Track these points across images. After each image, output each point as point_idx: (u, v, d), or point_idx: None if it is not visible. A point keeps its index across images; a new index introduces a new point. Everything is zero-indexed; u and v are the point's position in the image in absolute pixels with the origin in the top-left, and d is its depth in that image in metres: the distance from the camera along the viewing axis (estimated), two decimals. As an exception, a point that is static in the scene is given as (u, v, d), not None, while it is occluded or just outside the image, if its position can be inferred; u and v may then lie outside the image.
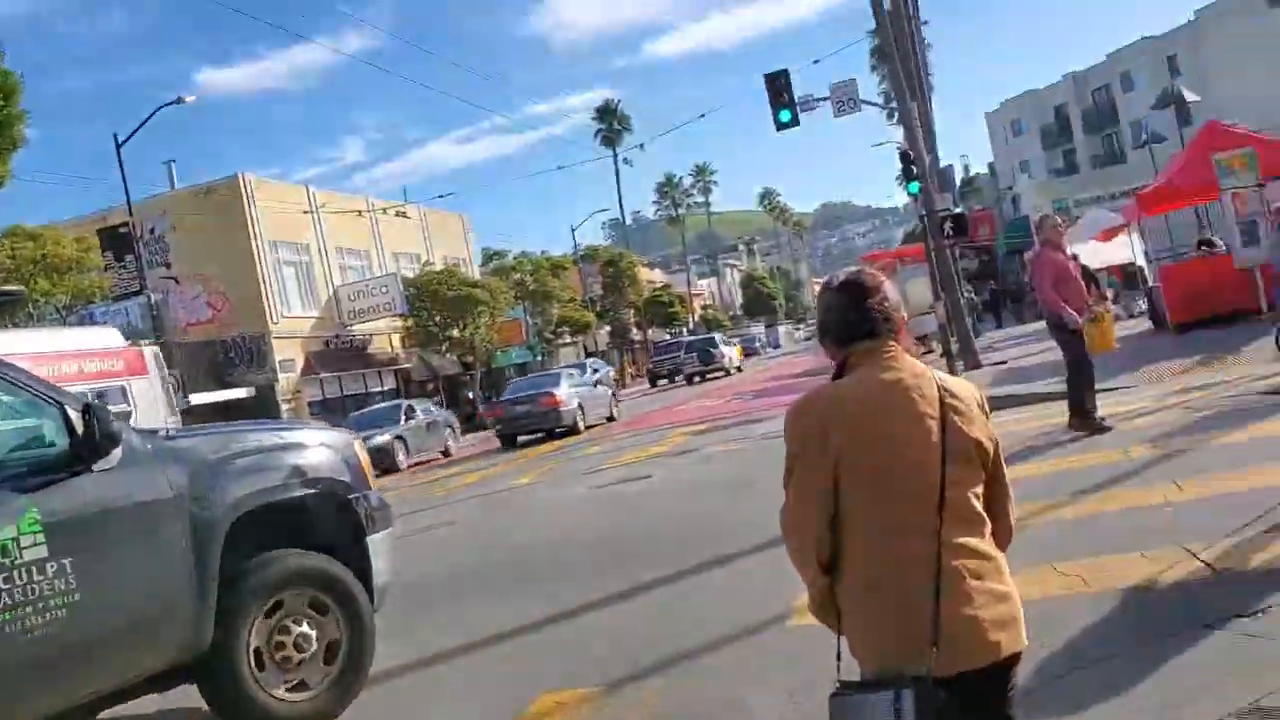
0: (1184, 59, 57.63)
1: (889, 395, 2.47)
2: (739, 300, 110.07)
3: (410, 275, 41.56)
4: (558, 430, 26.53)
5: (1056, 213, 23.11)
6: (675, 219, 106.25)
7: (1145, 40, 63.21)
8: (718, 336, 55.05)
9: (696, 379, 46.97)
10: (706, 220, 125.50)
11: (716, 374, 47.36)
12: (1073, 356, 10.62)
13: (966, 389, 2.55)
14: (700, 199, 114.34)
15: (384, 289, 39.70)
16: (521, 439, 26.75)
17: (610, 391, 32.37)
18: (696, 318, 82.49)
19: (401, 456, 25.56)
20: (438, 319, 39.74)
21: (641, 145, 74.62)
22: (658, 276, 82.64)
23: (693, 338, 56.83)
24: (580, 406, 26.91)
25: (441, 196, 71.59)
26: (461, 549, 11.06)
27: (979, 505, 2.48)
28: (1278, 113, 44.44)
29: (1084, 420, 10.30)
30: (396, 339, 42.12)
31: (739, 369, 50.38)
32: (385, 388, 40.38)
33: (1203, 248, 21.35)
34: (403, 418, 26.94)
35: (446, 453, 28.41)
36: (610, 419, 29.02)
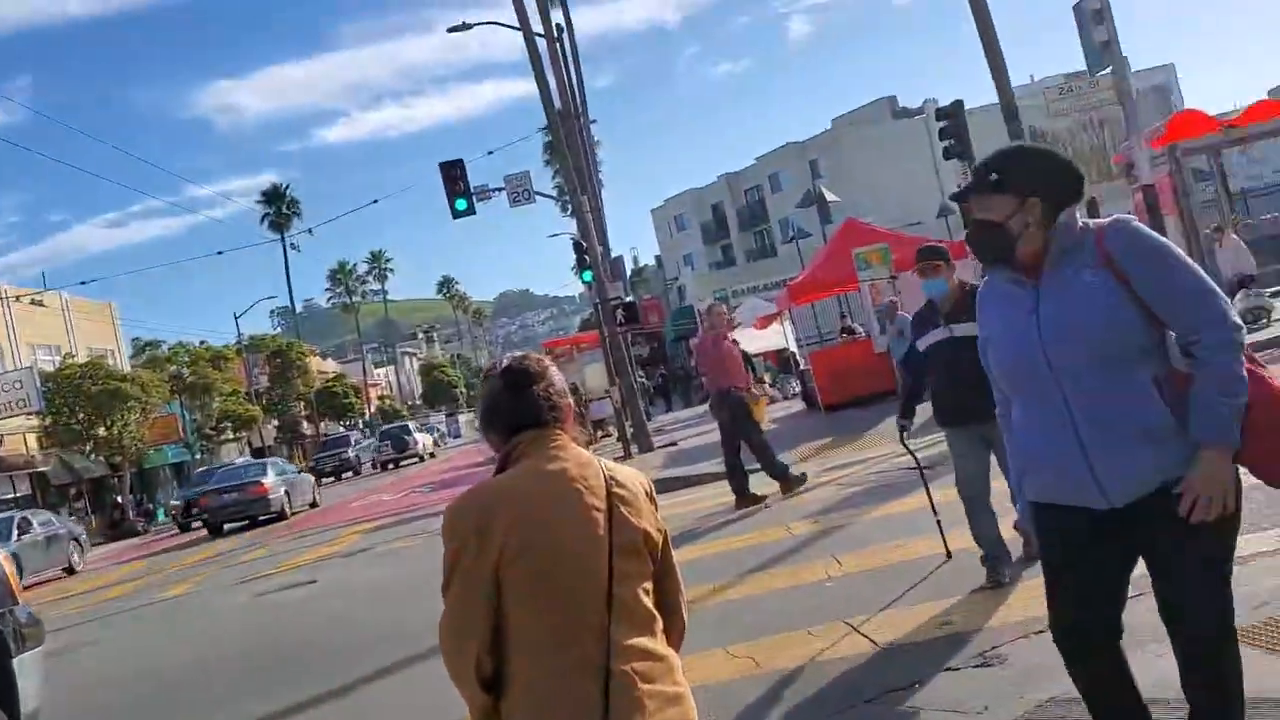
0: (824, 162, 63.36)
1: (553, 488, 2.28)
2: (419, 389, 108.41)
3: (49, 369, 37.75)
4: (262, 518, 26.86)
5: (718, 301, 24.45)
6: (349, 306, 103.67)
7: (790, 145, 69.10)
8: (411, 424, 58.09)
9: (391, 465, 49.15)
10: (384, 308, 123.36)
11: (411, 460, 49.40)
12: (727, 436, 11.16)
13: (634, 477, 2.41)
14: (377, 286, 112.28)
15: (17, 384, 35.64)
16: (227, 526, 26.83)
17: (312, 479, 33.26)
18: (373, 408, 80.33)
19: (14, 576, 22.50)
20: (81, 416, 36.22)
21: (310, 230, 71.99)
22: (331, 366, 79.90)
23: (387, 425, 60.33)
24: (287, 493, 27.55)
25: (85, 283, 65.96)
26: (96, 673, 9.80)
27: (649, 601, 2.32)
28: (906, 211, 49.69)
29: (785, 483, 11.03)
30: (33, 439, 37.92)
31: (432, 455, 52.28)
32: (19, 494, 36.10)
33: (844, 334, 23.20)
34: (14, 532, 23.61)
35: (70, 569, 25.33)
36: (314, 504, 29.76)
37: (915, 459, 7.05)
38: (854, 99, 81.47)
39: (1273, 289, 18.42)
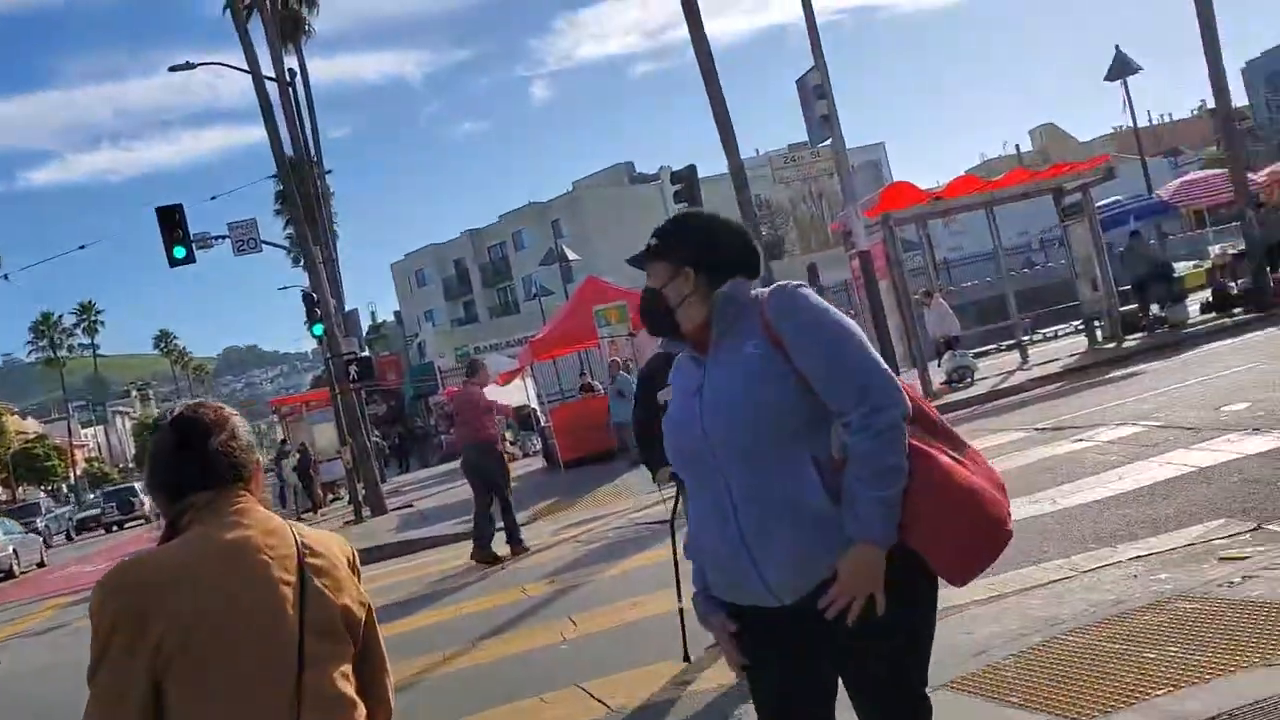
0: (565, 223, 64.41)
1: (232, 559, 1.95)
2: (131, 450, 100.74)
3: None
4: None
5: (460, 359, 24.06)
6: (54, 361, 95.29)
7: (532, 205, 69.79)
8: (138, 485, 55.94)
9: (115, 527, 48.81)
10: (93, 363, 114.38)
11: (137, 522, 49.33)
12: (483, 490, 11.01)
13: (334, 544, 2.11)
14: (86, 340, 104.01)
15: None
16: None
17: (41, 538, 33.54)
18: (79, 471, 74.02)
19: None
20: None
21: (6, 276, 65.92)
22: (32, 426, 73.08)
23: (113, 487, 58.95)
24: (15, 551, 27.66)
25: None
26: None
27: (348, 686, 2.01)
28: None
29: (518, 547, 10.92)
30: None
31: (159, 515, 49.15)
32: None
33: (584, 391, 23.30)
34: None
35: None
36: (41, 564, 30.00)
37: (675, 504, 6.87)
38: (594, 163, 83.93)
39: (976, 349, 19.96)
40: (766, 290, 2.48)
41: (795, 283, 2.50)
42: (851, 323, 2.40)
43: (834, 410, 2.33)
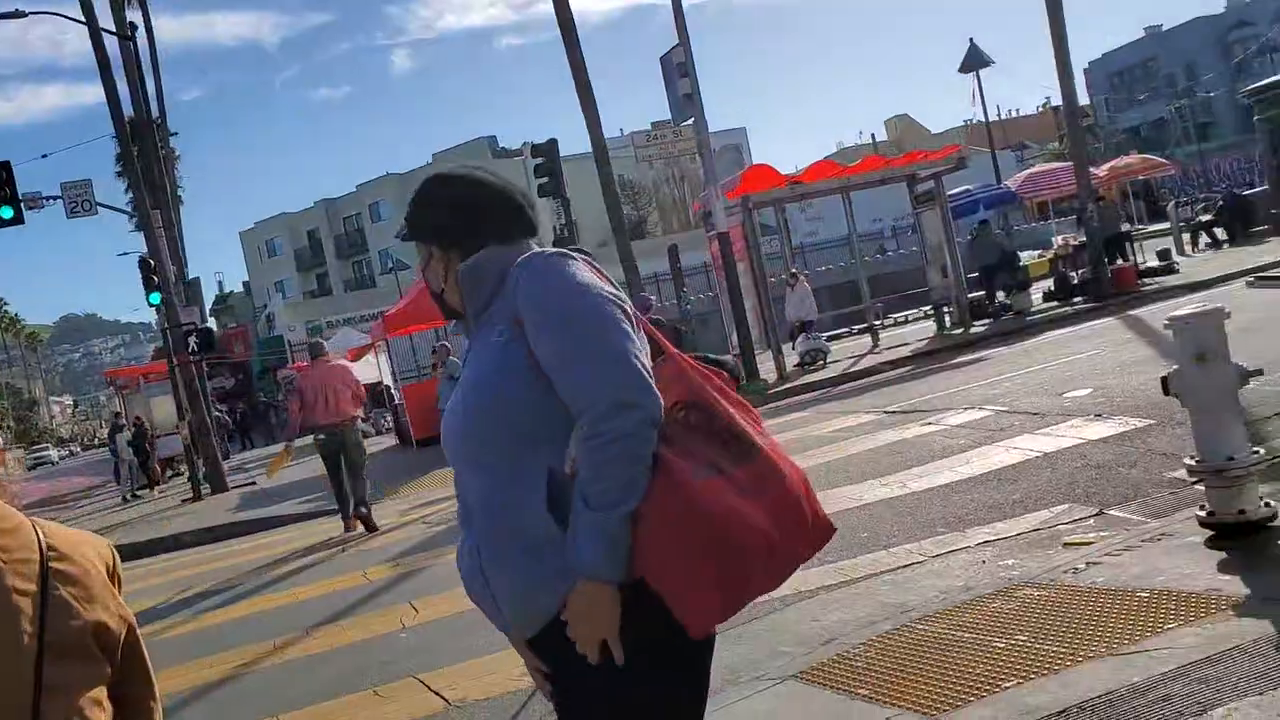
0: (425, 196, 63.08)
1: None
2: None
3: None
4: None
5: (311, 332, 23.22)
6: None
7: (390, 176, 68.05)
8: None
9: None
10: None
11: None
12: (349, 465, 10.85)
13: (89, 547, 1.76)
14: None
15: None
16: None
17: None
18: (-106, 444, 69.30)
19: None
20: None
21: None
22: None
23: None
24: None
25: None
26: None
27: (101, 715, 1.67)
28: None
29: (369, 524, 10.75)
30: None
31: None
32: None
33: (438, 369, 22.80)
34: None
35: None
36: None
37: None
38: (456, 136, 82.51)
39: (829, 333, 20.27)
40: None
41: (550, 251, 2.02)
42: (609, 306, 1.93)
43: (571, 409, 1.90)
